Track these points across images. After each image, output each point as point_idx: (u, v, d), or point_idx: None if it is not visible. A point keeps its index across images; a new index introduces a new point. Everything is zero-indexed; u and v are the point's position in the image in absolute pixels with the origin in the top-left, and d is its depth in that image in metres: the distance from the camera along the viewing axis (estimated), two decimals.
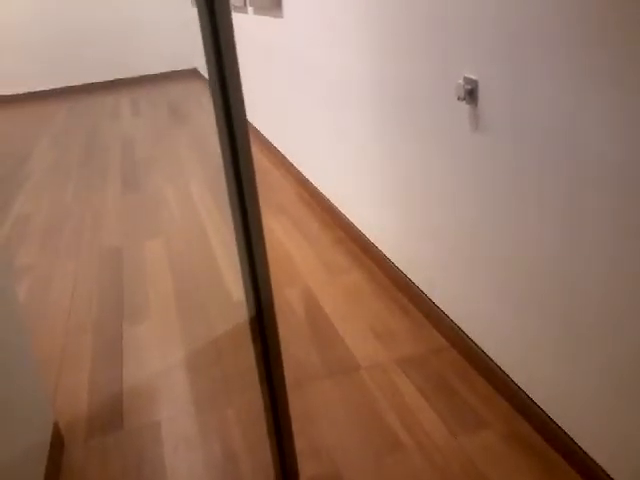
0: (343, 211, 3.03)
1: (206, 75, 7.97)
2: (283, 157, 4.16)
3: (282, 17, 3.38)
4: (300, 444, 1.72)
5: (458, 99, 1.62)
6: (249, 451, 1.71)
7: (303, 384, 1.96)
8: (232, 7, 4.81)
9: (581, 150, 1.25)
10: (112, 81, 8.72)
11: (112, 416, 1.91)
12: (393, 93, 2.12)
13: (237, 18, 4.74)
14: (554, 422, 1.59)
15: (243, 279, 1.25)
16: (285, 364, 2.07)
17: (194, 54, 8.69)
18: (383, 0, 2.04)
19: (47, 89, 8.53)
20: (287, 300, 2.46)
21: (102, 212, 3.71)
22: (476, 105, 1.58)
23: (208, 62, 1.08)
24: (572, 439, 1.53)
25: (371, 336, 2.17)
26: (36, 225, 3.61)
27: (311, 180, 3.55)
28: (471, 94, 1.58)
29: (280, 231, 3.13)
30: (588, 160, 1.24)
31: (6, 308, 1.56)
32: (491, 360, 1.85)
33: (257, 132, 4.96)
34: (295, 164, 3.88)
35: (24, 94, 8.47)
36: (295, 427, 1.78)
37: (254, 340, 1.30)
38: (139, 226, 3.42)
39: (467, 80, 1.59)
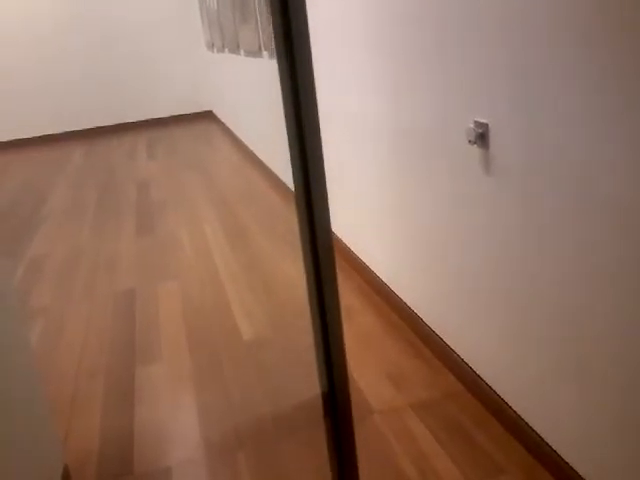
0: (357, 253, 3.03)
1: (221, 117, 8.10)
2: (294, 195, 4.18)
3: None
4: None
5: (469, 142, 1.63)
6: None
7: (318, 430, 1.93)
8: (247, 52, 4.91)
9: (593, 194, 1.25)
10: (128, 123, 8.88)
11: (122, 461, 1.89)
12: (407, 138, 2.14)
13: (251, 62, 4.83)
14: (574, 470, 1.55)
15: (317, 353, 1.21)
16: (300, 409, 2.05)
17: (210, 97, 8.84)
18: (395, 44, 2.08)
19: (63, 132, 8.69)
20: (300, 342, 2.45)
21: (116, 254, 3.73)
22: (487, 149, 1.59)
23: (295, 177, 1.06)
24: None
25: (385, 380, 2.15)
26: (51, 267, 3.64)
27: None
28: (482, 138, 1.59)
29: (291, 270, 3.13)
30: (600, 205, 1.24)
31: (18, 351, 1.57)
32: (507, 405, 1.81)
33: (267, 169, 5.01)
34: None
35: (40, 137, 8.63)
36: (309, 476, 1.75)
37: (325, 416, 1.25)
38: (152, 268, 3.43)
39: (478, 124, 1.60)
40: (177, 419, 2.06)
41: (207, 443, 1.93)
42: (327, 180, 1.04)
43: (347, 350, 2.35)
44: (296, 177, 1.07)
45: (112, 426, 2.07)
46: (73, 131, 8.73)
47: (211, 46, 7.21)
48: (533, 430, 1.70)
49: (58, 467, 1.70)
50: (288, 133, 1.04)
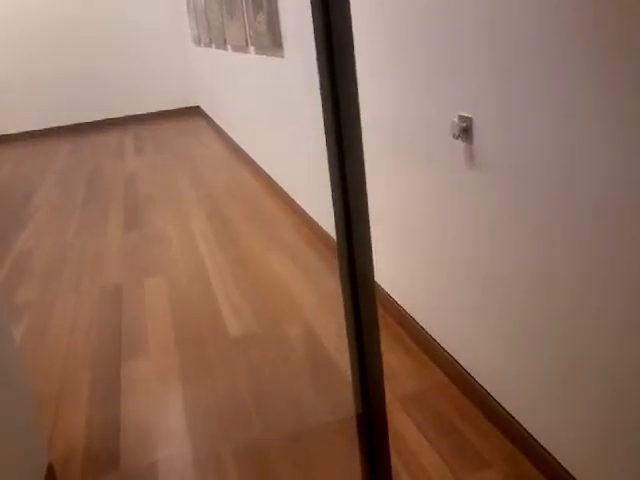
0: None
1: (209, 113, 8.07)
2: (283, 190, 4.18)
3: (283, 57, 3.43)
4: None
5: (453, 137, 1.63)
6: None
7: (304, 426, 1.94)
8: (234, 47, 4.89)
9: (576, 189, 1.26)
10: (115, 119, 8.83)
11: (108, 456, 1.89)
12: (392, 132, 2.14)
13: (238, 57, 4.81)
14: (557, 462, 1.56)
15: (352, 372, 1.15)
16: (286, 405, 2.05)
17: (197, 92, 8.81)
18: (379, 40, 2.08)
19: (50, 127, 8.63)
20: (287, 337, 2.45)
21: (103, 249, 3.72)
22: (471, 143, 1.59)
23: (337, 225, 0.99)
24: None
25: None
26: (37, 262, 3.62)
27: (311, 215, 3.56)
28: (466, 132, 1.59)
29: (281, 267, 3.13)
30: (583, 200, 1.24)
31: (1, 347, 1.56)
32: (493, 398, 1.82)
33: (255, 164, 5.00)
34: (295, 198, 3.90)
35: (26, 133, 8.57)
36: (293, 473, 1.75)
37: (360, 435, 1.20)
38: (139, 264, 3.42)
39: (462, 118, 1.60)
40: (163, 414, 2.06)
41: (193, 438, 1.92)
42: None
43: (333, 346, 2.35)
44: (338, 221, 1.00)
45: (98, 422, 2.06)
46: (60, 127, 8.67)
47: (198, 41, 7.18)
48: (518, 423, 1.71)
49: (42, 464, 1.69)
50: (331, 177, 0.98)
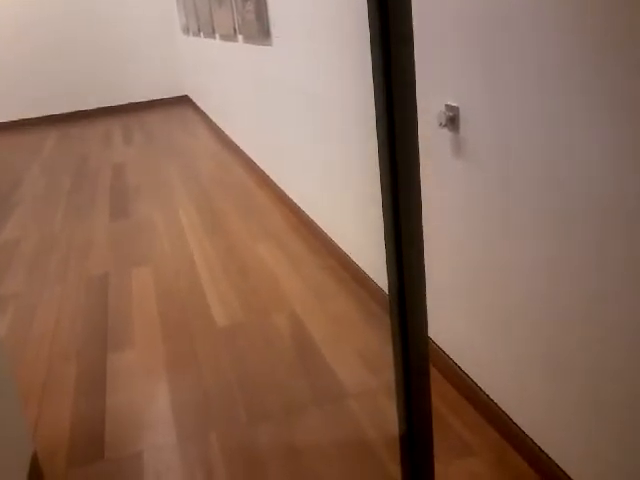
0: (332, 237, 3.03)
1: (197, 102, 8.02)
2: (270, 180, 4.17)
3: (271, 45, 3.41)
4: (285, 478, 1.69)
5: (440, 125, 1.63)
6: None
7: (290, 414, 1.94)
8: (223, 36, 4.86)
9: (559, 178, 1.26)
10: (104, 108, 8.76)
11: (93, 446, 1.88)
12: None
13: (226, 46, 4.78)
14: (544, 452, 1.57)
15: (397, 393, 1.06)
16: (272, 393, 2.04)
17: (186, 81, 8.75)
18: (368, 28, 2.06)
19: (37, 117, 8.56)
20: (274, 326, 2.44)
21: (90, 239, 3.69)
22: (458, 132, 1.59)
23: (389, 275, 0.90)
24: (561, 468, 1.51)
25: (360, 363, 2.16)
26: (23, 251, 3.59)
27: (300, 206, 3.55)
28: (453, 121, 1.58)
29: (268, 256, 3.12)
30: (566, 188, 1.24)
31: None
32: (480, 389, 1.83)
33: (244, 154, 4.98)
34: (283, 187, 3.89)
35: (14, 122, 8.49)
36: (280, 460, 1.75)
37: (402, 458, 1.13)
38: (126, 253, 3.40)
39: (449, 107, 1.59)
40: (149, 404, 2.05)
41: (179, 428, 1.92)
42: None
43: (321, 333, 2.35)
44: (391, 274, 0.91)
45: (83, 412, 2.05)
46: (48, 116, 8.60)
47: (186, 30, 7.13)
48: (505, 414, 1.71)
49: (26, 454, 1.68)
50: (385, 236, 0.89)
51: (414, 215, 0.84)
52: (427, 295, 1.85)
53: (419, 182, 0.80)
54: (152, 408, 2.03)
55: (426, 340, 0.90)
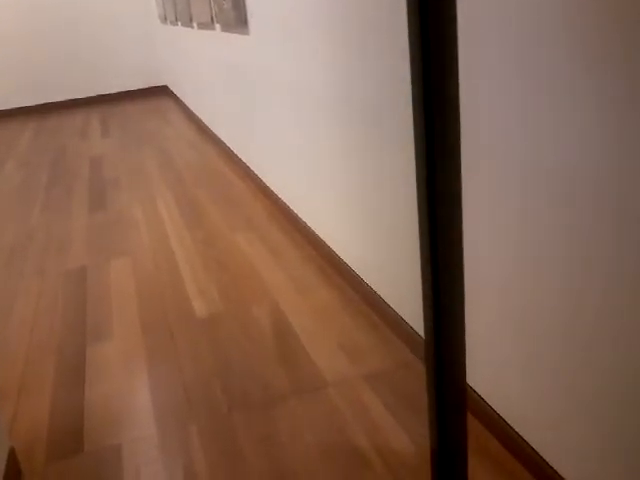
0: (313, 228, 3.02)
1: (176, 92, 7.95)
2: (250, 171, 4.14)
3: (248, 34, 3.38)
4: (265, 468, 1.68)
5: None
6: (209, 471, 1.68)
7: (270, 404, 1.93)
8: (199, 24, 4.81)
9: (532, 162, 1.26)
10: (81, 99, 8.65)
11: (72, 440, 1.86)
12: (358, 110, 2.12)
13: (204, 35, 4.74)
14: (524, 439, 1.58)
15: (431, 450, 0.95)
16: (252, 384, 2.04)
17: (164, 71, 8.66)
18: (344, 18, 2.05)
19: (13, 108, 8.43)
20: (254, 317, 2.44)
21: (68, 231, 3.65)
22: None
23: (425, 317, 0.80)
24: (541, 456, 1.52)
25: (340, 353, 2.15)
26: (0, 246, 3.54)
27: (279, 195, 3.53)
28: None
29: (248, 247, 3.11)
30: (536, 173, 1.24)
31: None
32: (523, 439, 1.77)
33: (223, 144, 4.95)
34: (263, 178, 3.87)
35: None
36: (260, 450, 1.75)
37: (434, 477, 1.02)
38: (105, 246, 3.37)
39: None
40: (129, 397, 2.04)
41: (159, 420, 1.91)
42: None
43: (302, 324, 2.35)
44: (427, 319, 0.81)
45: (62, 405, 2.03)
46: (23, 107, 8.47)
47: (164, 19, 7.05)
48: (484, 400, 1.72)
49: (3, 450, 1.66)
50: (422, 270, 0.78)
51: (456, 252, 0.76)
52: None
53: (461, 218, 0.73)
54: (132, 400, 2.02)
55: (464, 389, 0.83)
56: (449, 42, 0.67)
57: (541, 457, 1.50)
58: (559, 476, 1.44)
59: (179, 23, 5.94)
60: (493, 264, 1.51)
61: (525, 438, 1.56)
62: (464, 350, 0.78)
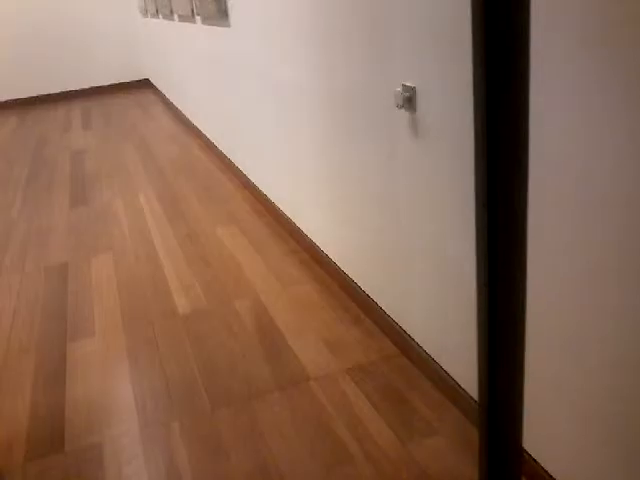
0: (296, 222, 3.01)
1: (158, 85, 7.89)
2: (233, 164, 4.12)
3: (229, 27, 3.35)
4: (248, 462, 1.68)
5: (397, 107, 1.61)
6: (192, 467, 1.67)
7: (252, 399, 1.93)
8: (180, 17, 4.77)
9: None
10: (63, 93, 8.56)
11: (53, 439, 1.84)
12: (340, 103, 2.11)
13: (185, 28, 4.69)
14: None
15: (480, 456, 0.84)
16: (235, 379, 2.03)
17: (146, 64, 8.59)
18: (325, 10, 2.03)
19: None
20: (237, 312, 2.42)
21: (49, 227, 3.61)
22: (414, 112, 1.57)
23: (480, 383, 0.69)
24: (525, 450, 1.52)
25: (322, 346, 2.15)
26: None
27: (262, 189, 3.52)
28: (409, 101, 1.57)
29: (231, 242, 3.09)
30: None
31: None
32: (442, 369, 1.84)
33: (205, 137, 4.92)
34: (245, 172, 3.85)
35: None
36: (243, 445, 1.74)
37: None
38: (86, 241, 3.34)
39: (405, 87, 1.58)
40: (110, 394, 2.02)
41: (141, 417, 1.89)
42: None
43: (284, 318, 2.34)
44: (482, 386, 0.70)
45: (42, 403, 2.01)
46: (5, 101, 8.36)
47: (145, 12, 6.98)
48: (467, 394, 1.73)
49: None
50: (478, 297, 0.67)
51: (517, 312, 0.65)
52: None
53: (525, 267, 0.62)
54: (113, 398, 2.00)
55: (520, 455, 0.77)
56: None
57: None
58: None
59: (160, 16, 5.89)
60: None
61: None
62: (522, 416, 0.71)
